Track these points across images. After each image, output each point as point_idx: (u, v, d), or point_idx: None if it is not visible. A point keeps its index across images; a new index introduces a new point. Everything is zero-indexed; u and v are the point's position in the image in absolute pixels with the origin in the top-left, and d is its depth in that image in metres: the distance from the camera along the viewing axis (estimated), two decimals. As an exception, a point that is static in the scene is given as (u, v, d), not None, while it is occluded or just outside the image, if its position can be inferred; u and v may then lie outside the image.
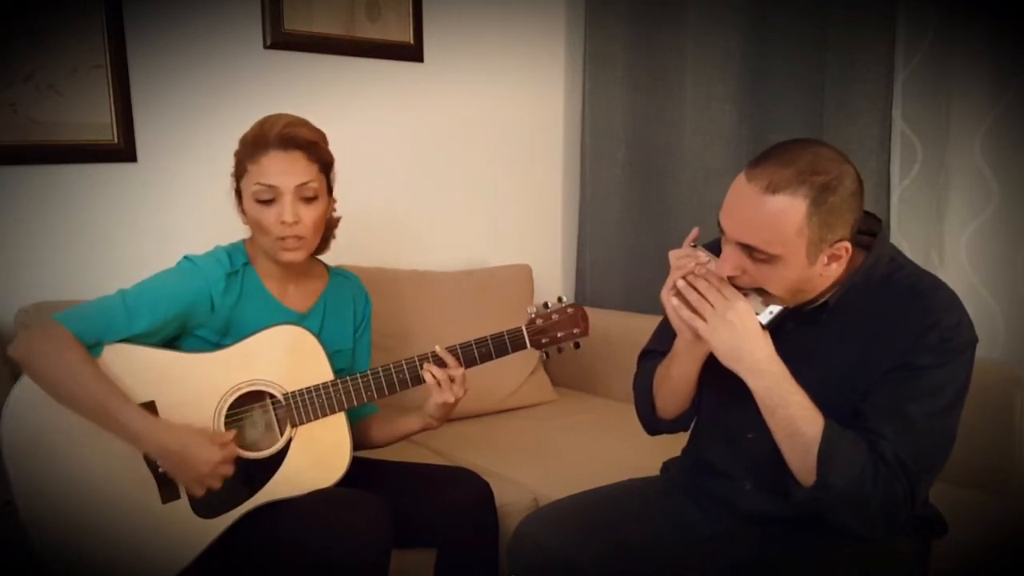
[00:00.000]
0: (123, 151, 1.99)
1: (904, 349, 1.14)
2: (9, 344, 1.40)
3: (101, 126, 1.96)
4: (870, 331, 1.18)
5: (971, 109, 1.98)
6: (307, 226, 1.48)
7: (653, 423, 1.45)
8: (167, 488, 1.41)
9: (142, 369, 1.41)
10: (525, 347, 1.55)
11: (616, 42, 2.55)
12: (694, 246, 1.24)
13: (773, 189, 1.10)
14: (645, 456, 1.58)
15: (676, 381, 1.34)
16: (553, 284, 2.77)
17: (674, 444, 1.50)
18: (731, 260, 1.16)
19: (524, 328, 1.54)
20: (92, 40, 1.93)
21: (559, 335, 1.56)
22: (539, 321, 1.55)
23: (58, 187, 1.93)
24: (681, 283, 1.20)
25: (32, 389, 1.37)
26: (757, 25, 2.33)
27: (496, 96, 2.58)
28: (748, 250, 1.14)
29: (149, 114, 2.02)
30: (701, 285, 1.19)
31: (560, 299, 1.58)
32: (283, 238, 1.47)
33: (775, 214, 1.10)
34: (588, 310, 1.60)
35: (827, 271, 1.16)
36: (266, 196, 1.46)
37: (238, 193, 1.53)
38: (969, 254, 2.02)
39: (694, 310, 1.19)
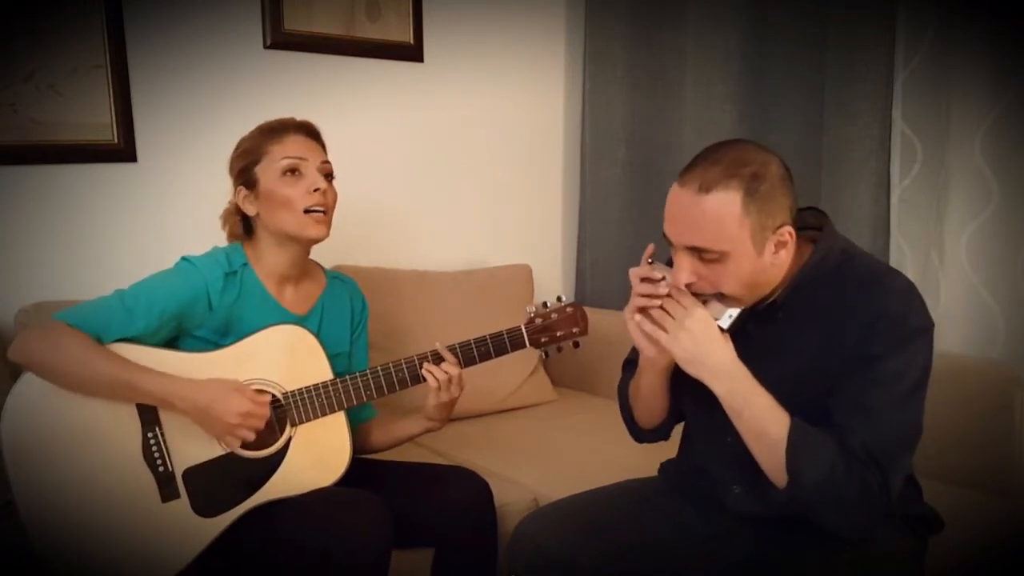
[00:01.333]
0: (123, 151, 1.99)
1: (857, 340, 1.15)
2: (9, 345, 1.40)
3: (101, 126, 1.96)
4: (825, 325, 1.19)
5: (971, 109, 1.98)
6: (331, 200, 1.54)
7: (636, 432, 1.47)
8: (167, 487, 1.41)
9: (142, 369, 1.40)
10: (524, 346, 1.55)
11: (616, 42, 2.55)
12: (650, 262, 1.25)
13: (706, 188, 1.13)
14: (644, 457, 1.57)
15: (645, 395, 1.37)
16: (553, 284, 2.77)
17: (672, 445, 1.49)
18: (684, 267, 1.18)
19: (523, 327, 1.54)
20: (92, 40, 1.93)
21: (558, 334, 1.56)
22: (538, 320, 1.55)
23: (58, 187, 1.93)
24: (642, 300, 1.22)
25: (32, 389, 1.37)
26: (757, 25, 2.33)
27: (496, 96, 2.58)
28: (697, 252, 1.16)
29: (149, 114, 2.02)
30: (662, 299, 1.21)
31: (559, 298, 1.58)
32: (311, 210, 1.50)
33: (714, 211, 1.13)
34: (588, 310, 1.60)
35: (777, 259, 1.18)
36: (296, 167, 1.50)
37: (249, 186, 1.53)
38: (969, 254, 2.02)
39: (657, 323, 1.20)
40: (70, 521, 1.37)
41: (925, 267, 2.04)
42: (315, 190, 1.50)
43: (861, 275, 1.20)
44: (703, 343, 1.16)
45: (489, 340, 1.53)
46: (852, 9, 2.05)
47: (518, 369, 2.30)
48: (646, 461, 1.54)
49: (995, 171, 1.96)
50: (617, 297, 2.61)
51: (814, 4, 2.17)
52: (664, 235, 1.20)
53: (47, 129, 1.89)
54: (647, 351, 1.25)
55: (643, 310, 1.22)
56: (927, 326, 1.17)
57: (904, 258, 2.05)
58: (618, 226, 2.64)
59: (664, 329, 1.19)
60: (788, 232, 1.17)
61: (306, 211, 1.50)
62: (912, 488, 1.30)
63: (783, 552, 1.26)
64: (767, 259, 1.17)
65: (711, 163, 1.14)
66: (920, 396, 1.16)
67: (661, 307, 1.20)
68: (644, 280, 1.23)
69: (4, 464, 1.36)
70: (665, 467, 1.50)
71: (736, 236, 1.13)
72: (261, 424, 1.41)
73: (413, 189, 2.47)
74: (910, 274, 1.82)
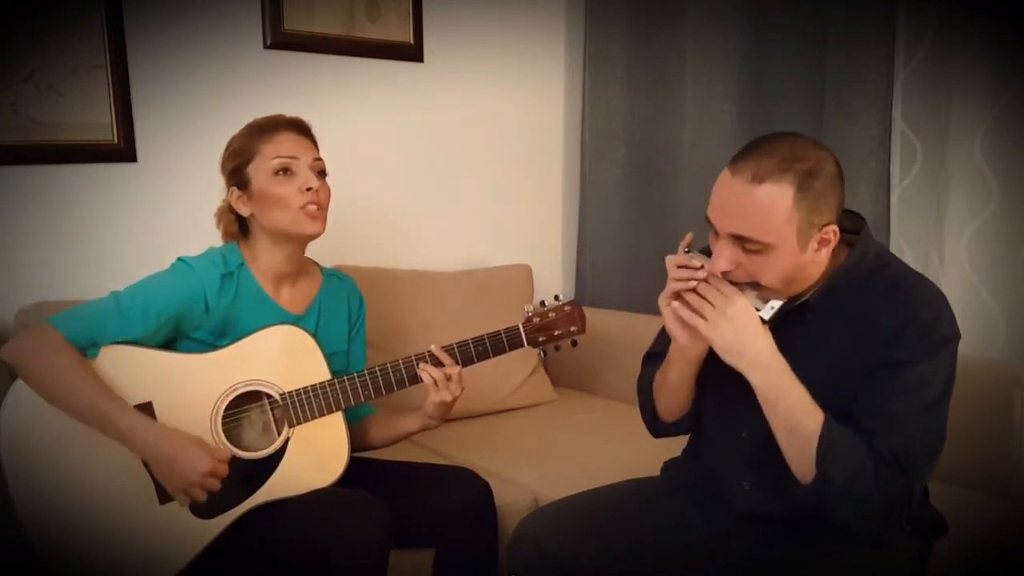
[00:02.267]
0: (123, 151, 1.99)
1: (884, 346, 1.15)
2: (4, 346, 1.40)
3: (101, 126, 1.96)
4: (853, 329, 1.19)
5: (971, 109, 1.98)
6: (324, 197, 1.53)
7: (656, 426, 1.46)
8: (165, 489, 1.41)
9: (139, 370, 1.40)
10: (522, 345, 1.54)
11: (616, 42, 2.55)
12: (688, 251, 1.24)
13: (759, 179, 1.12)
14: (645, 456, 1.57)
15: (673, 384, 1.36)
16: (553, 284, 2.77)
17: (674, 444, 1.49)
18: (725, 255, 1.17)
19: (521, 326, 1.54)
20: (92, 40, 1.93)
21: (556, 333, 1.55)
22: (536, 319, 1.55)
23: (58, 187, 1.93)
24: (678, 285, 1.21)
25: (30, 389, 1.37)
26: (757, 25, 2.32)
27: (496, 96, 2.58)
28: (741, 242, 1.15)
29: (149, 114, 2.03)
30: (700, 286, 1.20)
31: (557, 297, 1.58)
32: (305, 206, 1.49)
33: (764, 203, 1.12)
34: (588, 310, 1.60)
35: (818, 257, 1.17)
36: (287, 166, 1.49)
37: (241, 186, 1.52)
38: (969, 254, 2.02)
39: (694, 310, 1.19)
40: (68, 522, 1.37)
41: (925, 267, 2.04)
42: (308, 189, 1.49)
43: (893, 281, 1.19)
44: (743, 332, 1.15)
45: (487, 340, 1.53)
46: (852, 9, 2.05)
47: (518, 369, 2.30)
48: (646, 461, 1.54)
49: (995, 171, 1.96)
50: (617, 297, 2.61)
51: (814, 4, 2.17)
52: (707, 220, 1.19)
53: (47, 129, 1.89)
54: (680, 339, 1.24)
55: (679, 297, 1.21)
56: (955, 336, 1.17)
57: (904, 258, 2.03)
58: (618, 226, 2.64)
59: (703, 316, 1.18)
60: (833, 231, 1.16)
61: (299, 208, 1.49)
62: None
63: (784, 553, 1.26)
64: (808, 256, 1.16)
65: (766, 154, 1.13)
66: (945, 405, 1.16)
67: (698, 294, 1.19)
68: (681, 267, 1.22)
69: (2, 464, 1.36)
70: (668, 466, 1.50)
71: (782, 230, 1.13)
72: (218, 484, 1.38)
73: (413, 189, 2.47)
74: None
